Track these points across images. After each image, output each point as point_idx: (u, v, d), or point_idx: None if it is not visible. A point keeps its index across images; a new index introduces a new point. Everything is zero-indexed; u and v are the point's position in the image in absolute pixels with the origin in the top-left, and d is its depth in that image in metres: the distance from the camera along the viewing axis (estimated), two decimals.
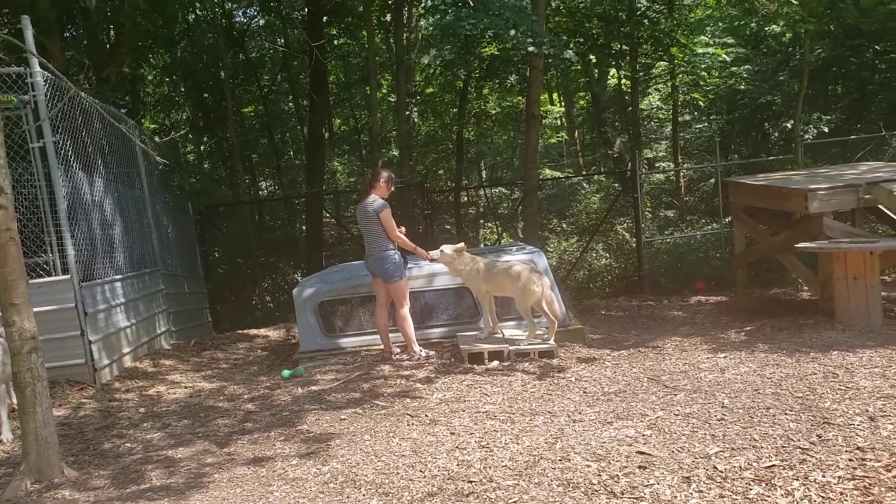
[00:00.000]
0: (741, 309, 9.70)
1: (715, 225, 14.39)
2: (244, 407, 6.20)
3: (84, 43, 12.61)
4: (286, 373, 7.20)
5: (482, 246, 16.23)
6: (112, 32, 13.60)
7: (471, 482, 3.95)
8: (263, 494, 4.11)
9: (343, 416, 5.55)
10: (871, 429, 4.13)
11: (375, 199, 7.23)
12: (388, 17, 17.99)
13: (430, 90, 20.65)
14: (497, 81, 18.49)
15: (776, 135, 16.48)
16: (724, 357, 6.41)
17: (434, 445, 4.66)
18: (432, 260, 7.37)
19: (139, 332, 8.80)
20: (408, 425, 5.18)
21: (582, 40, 16.33)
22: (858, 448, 3.86)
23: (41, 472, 4.62)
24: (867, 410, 4.46)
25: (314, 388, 6.52)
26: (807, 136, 14.57)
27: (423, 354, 7.30)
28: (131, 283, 8.89)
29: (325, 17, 16.94)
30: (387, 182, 7.40)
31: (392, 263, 7.22)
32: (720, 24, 15.58)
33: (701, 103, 18.42)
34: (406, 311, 7.33)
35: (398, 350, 7.51)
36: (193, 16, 17.97)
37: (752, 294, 10.75)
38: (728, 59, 15.83)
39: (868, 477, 3.48)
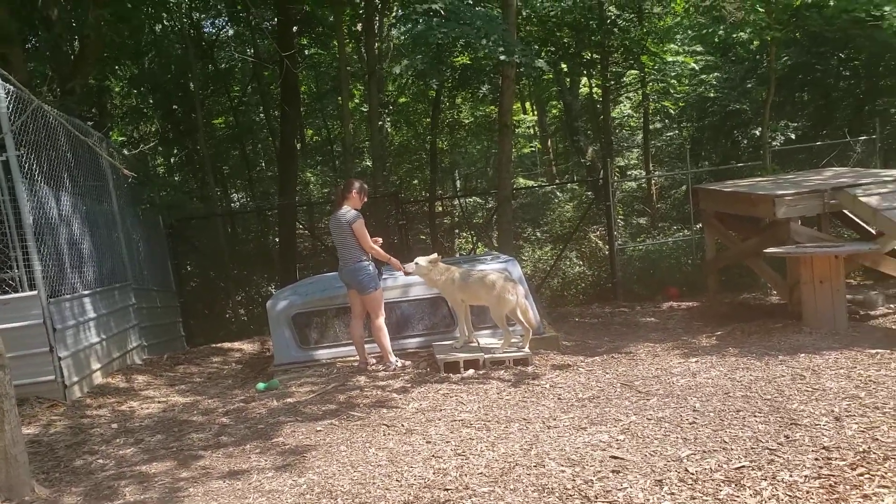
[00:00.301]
0: (712, 314, 9.86)
1: (686, 231, 14.59)
2: (219, 420, 6.20)
3: (47, 54, 12.50)
4: (261, 385, 7.21)
5: (457, 256, 16.29)
6: (77, 43, 13.49)
7: (447, 490, 4.01)
8: None
9: (319, 428, 5.58)
10: (836, 428, 4.25)
11: (349, 210, 7.28)
12: (360, 27, 18.03)
13: (402, 100, 20.72)
14: (470, 91, 18.62)
15: (745, 142, 16.73)
16: (696, 361, 6.54)
17: (410, 454, 4.70)
18: (407, 273, 7.42)
19: (110, 348, 8.74)
20: (384, 435, 5.22)
21: (553, 49, 16.52)
22: (824, 448, 3.97)
23: (11, 491, 4.59)
24: (833, 411, 4.58)
25: (289, 400, 6.54)
26: (774, 143, 14.82)
27: (399, 365, 7.34)
28: (101, 298, 8.83)
29: (295, 27, 16.94)
30: (359, 193, 7.44)
31: (366, 275, 7.26)
32: (689, 31, 15.80)
33: (671, 111, 18.67)
34: (381, 321, 7.37)
35: (374, 361, 7.55)
36: (160, 26, 17.85)
37: (723, 299, 10.92)
38: (697, 68, 16.08)
39: (834, 475, 3.58)
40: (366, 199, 7.57)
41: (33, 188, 7.34)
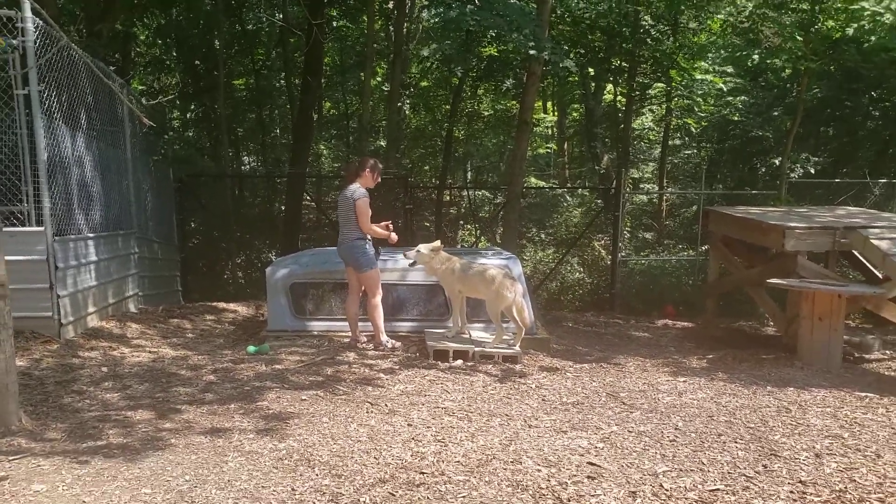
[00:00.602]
0: (706, 337, 9.93)
1: (691, 251, 14.64)
2: (206, 377, 6.28)
3: None
4: (251, 349, 7.29)
5: (459, 247, 16.36)
6: None
7: (423, 473, 4.09)
8: (218, 463, 4.21)
9: (304, 397, 5.66)
10: (815, 465, 4.32)
11: (358, 188, 7.33)
12: (391, 5, 18.06)
13: (424, 84, 20.75)
14: (493, 83, 18.63)
15: (763, 169, 16.76)
16: (684, 381, 6.60)
17: (390, 434, 4.78)
18: (406, 257, 7.47)
19: (108, 293, 8.83)
20: (367, 412, 5.30)
21: (583, 52, 16.51)
22: (801, 482, 4.04)
23: None
24: (814, 447, 4.65)
25: (278, 366, 6.62)
26: (793, 175, 14.86)
27: (390, 346, 7.42)
28: (105, 243, 8.92)
29: None
30: (372, 171, 7.49)
31: (362, 253, 7.34)
32: (722, 52, 15.79)
33: (693, 129, 18.67)
34: (377, 301, 7.45)
35: (365, 339, 7.63)
36: None
37: (719, 323, 10.98)
38: (725, 89, 16.09)
39: None
40: (378, 180, 7.63)
41: (51, 125, 7.41)
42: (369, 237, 7.37)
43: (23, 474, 4.02)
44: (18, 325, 5.76)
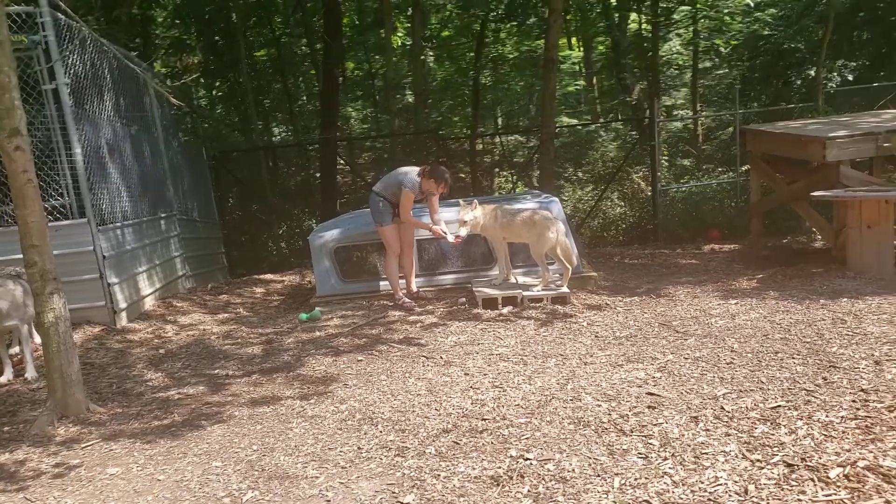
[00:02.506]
0: (754, 257, 9.77)
1: (731, 174, 14.36)
2: (261, 349, 6.40)
3: None
4: (303, 316, 7.38)
5: (496, 195, 16.29)
6: None
7: (484, 420, 4.13)
8: (283, 431, 4.30)
9: (360, 358, 5.73)
10: (875, 372, 4.26)
11: (416, 179, 7.32)
12: None
13: (446, 33, 20.48)
14: (516, 24, 18.32)
15: (798, 82, 16.30)
16: (735, 303, 6.55)
17: (448, 385, 4.84)
18: (458, 238, 7.29)
19: (156, 276, 8.99)
20: (423, 366, 5.36)
21: None
22: (862, 390, 4.00)
23: (67, 408, 4.83)
24: (873, 355, 4.59)
25: (331, 331, 6.71)
26: (830, 85, 14.42)
27: (407, 305, 7.42)
28: (148, 228, 9.05)
29: None
30: (438, 181, 7.32)
31: (376, 210, 7.49)
32: None
33: (722, 49, 18.20)
34: (390, 257, 7.56)
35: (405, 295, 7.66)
36: None
37: (766, 243, 10.81)
38: (752, 3, 15.61)
39: (870, 417, 3.61)
40: (442, 192, 7.45)
41: (82, 116, 7.48)
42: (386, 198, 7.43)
43: (97, 459, 4.15)
44: (75, 317, 5.90)
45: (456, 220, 7.35)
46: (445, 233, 7.41)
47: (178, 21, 19.26)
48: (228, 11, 17.80)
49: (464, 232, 7.21)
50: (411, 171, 7.41)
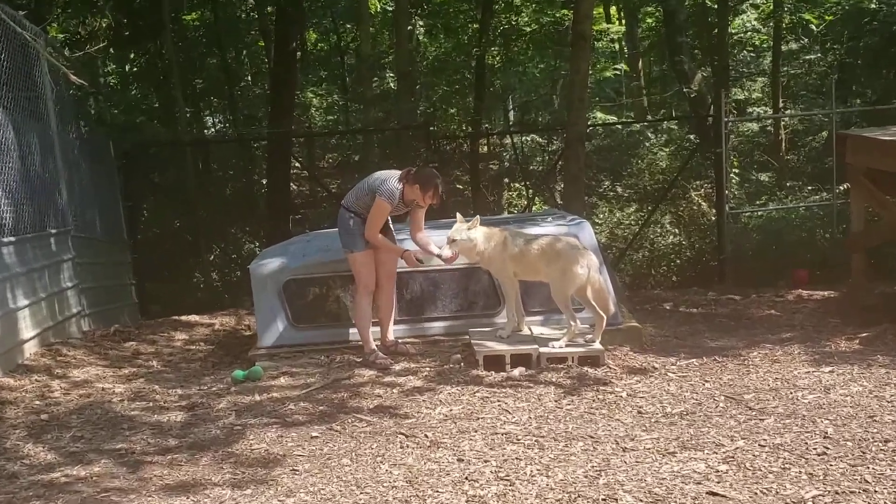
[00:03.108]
0: (856, 308, 9.77)
1: (825, 194, 14.43)
2: (183, 416, 6.34)
3: None
4: (239, 374, 7.32)
5: (505, 214, 16.30)
6: None
7: None
8: None
9: (314, 434, 5.68)
10: None
11: (395, 185, 7.23)
12: None
13: None
14: None
15: None
16: (830, 371, 6.54)
17: (436, 475, 4.78)
18: (446, 259, 7.26)
19: (40, 314, 8.90)
20: (401, 447, 5.31)
21: None
22: None
23: None
24: None
25: (276, 394, 6.67)
26: None
27: (381, 359, 7.38)
28: (31, 247, 8.98)
29: None
30: (425, 190, 7.22)
31: (346, 231, 7.37)
32: None
33: (813, 27, 18.36)
34: (362, 296, 7.44)
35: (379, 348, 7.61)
36: None
37: (873, 289, 10.81)
38: None
39: None
40: (434, 202, 7.35)
41: None
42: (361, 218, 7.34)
43: None
44: None
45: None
46: (421, 261, 7.35)
47: None
48: None
49: (447, 253, 7.16)
50: (391, 177, 7.32)
